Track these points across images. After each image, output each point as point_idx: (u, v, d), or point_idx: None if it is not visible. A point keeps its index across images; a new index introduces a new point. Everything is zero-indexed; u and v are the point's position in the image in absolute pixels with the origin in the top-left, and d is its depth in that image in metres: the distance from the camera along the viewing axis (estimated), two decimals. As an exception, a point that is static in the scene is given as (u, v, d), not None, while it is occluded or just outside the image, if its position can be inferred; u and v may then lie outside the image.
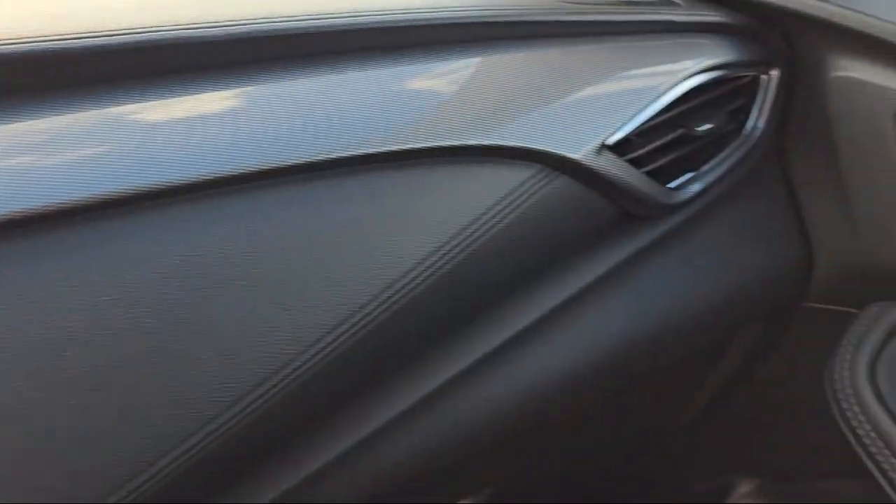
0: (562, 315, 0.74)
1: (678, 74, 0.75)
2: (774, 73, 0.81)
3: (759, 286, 0.83)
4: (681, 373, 0.92)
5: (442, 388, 0.70)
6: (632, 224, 0.76)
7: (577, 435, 0.89)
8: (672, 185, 0.77)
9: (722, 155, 0.80)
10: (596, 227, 0.73)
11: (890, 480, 0.76)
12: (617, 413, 0.91)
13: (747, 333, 0.89)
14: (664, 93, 0.73)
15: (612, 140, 0.70)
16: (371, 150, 0.62)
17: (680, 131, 0.77)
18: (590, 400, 0.80)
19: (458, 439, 0.71)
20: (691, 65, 0.76)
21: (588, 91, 0.71)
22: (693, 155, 0.78)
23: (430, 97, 0.65)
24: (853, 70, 0.76)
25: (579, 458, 0.95)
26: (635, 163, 0.74)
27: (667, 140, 0.76)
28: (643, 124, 0.73)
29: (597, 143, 0.69)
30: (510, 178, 0.66)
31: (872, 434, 0.76)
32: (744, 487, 1.06)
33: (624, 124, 0.71)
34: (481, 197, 0.65)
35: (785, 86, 0.81)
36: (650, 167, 0.75)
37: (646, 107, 0.72)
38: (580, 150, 0.68)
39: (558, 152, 0.67)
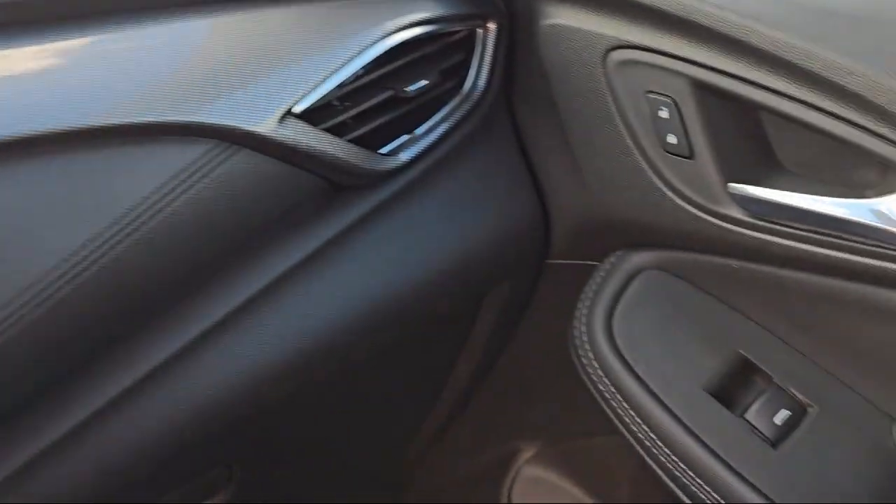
0: (273, 297, 0.68)
1: (378, 32, 0.70)
2: (492, 26, 0.77)
3: (496, 247, 0.80)
4: (432, 344, 0.88)
5: (138, 384, 0.64)
6: (343, 195, 0.71)
7: (325, 423, 0.84)
8: (384, 150, 0.72)
9: (440, 115, 0.76)
10: (298, 201, 0.68)
11: (633, 434, 0.74)
12: (369, 393, 0.86)
13: (495, 297, 0.86)
14: (361, 52, 0.69)
15: (299, 107, 0.65)
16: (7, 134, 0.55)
17: (388, 93, 0.72)
18: (326, 383, 0.75)
19: (165, 436, 0.65)
20: (395, 21, 0.71)
21: (271, 56, 0.65)
22: (408, 117, 0.74)
23: (81, 73, 0.59)
24: (562, 17, 0.73)
25: (336, 446, 0.90)
26: (338, 129, 0.69)
27: (374, 103, 0.71)
28: (342, 87, 0.68)
29: (280, 111, 0.64)
30: (177, 157, 0.60)
31: (612, 389, 0.75)
32: (527, 453, 1.04)
33: (314, 89, 0.66)
34: (141, 181, 0.59)
35: (504, 39, 0.78)
36: (356, 133, 0.70)
37: (340, 69, 0.67)
38: (259, 121, 0.62)
39: (231, 124, 0.61)
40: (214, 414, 0.66)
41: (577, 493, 1.03)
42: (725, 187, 0.67)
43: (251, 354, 0.67)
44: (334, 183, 0.69)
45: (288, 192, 0.66)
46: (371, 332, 0.74)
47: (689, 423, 0.71)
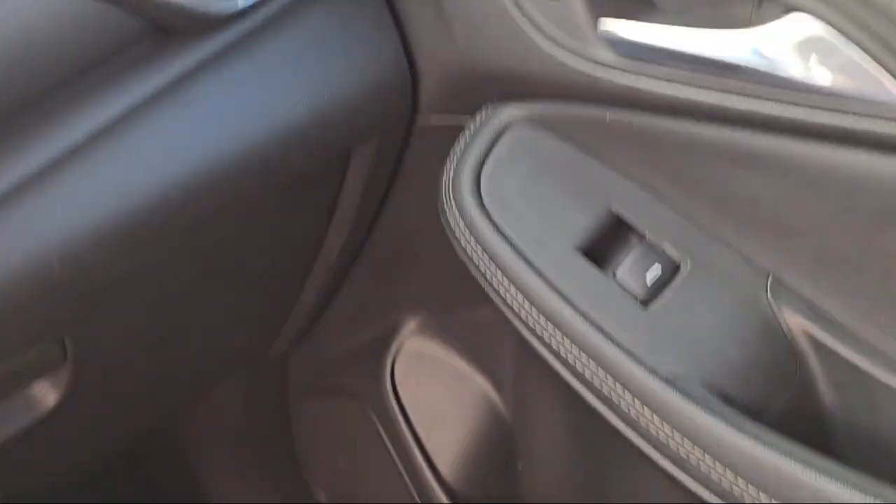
0: (89, 155, 0.62)
1: None
2: None
3: (357, 100, 0.75)
4: (297, 211, 0.84)
5: None
6: (174, 40, 0.65)
7: (174, 295, 0.79)
8: (219, -11, 0.66)
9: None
10: (117, 46, 0.61)
11: (503, 299, 0.71)
12: (228, 266, 0.82)
13: (361, 158, 0.81)
14: None
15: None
16: None
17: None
18: (168, 250, 0.69)
19: None
20: None
21: None
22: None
23: None
24: None
25: (195, 323, 0.86)
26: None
27: None
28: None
29: None
30: None
31: (480, 251, 0.71)
32: (409, 326, 1.01)
33: None
34: None
35: None
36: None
37: None
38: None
39: None
40: (24, 279, 0.60)
41: (461, 365, 1.00)
42: (595, 26, 0.63)
43: (61, 217, 0.61)
44: (161, 26, 0.63)
45: (102, 35, 0.60)
46: (216, 193, 0.68)
47: (558, 284, 0.68)
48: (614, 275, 0.68)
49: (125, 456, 1.02)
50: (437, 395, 1.03)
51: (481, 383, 1.00)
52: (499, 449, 1.02)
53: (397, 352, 1.03)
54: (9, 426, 0.73)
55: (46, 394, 0.73)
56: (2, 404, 0.71)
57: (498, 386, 0.99)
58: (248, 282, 0.89)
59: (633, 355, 0.65)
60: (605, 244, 0.70)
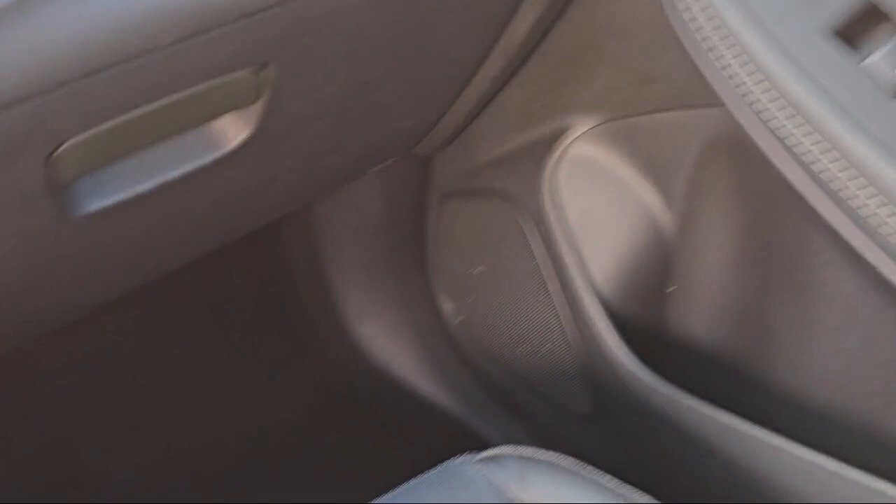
0: None
1: None
2: None
3: None
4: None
5: None
6: None
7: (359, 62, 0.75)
8: None
9: None
10: None
11: (729, 74, 0.67)
12: (414, 32, 0.78)
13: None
14: None
15: None
16: None
17: None
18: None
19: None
20: None
21: None
22: None
23: None
24: None
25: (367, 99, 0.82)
26: None
27: None
28: None
29: None
30: None
31: (715, 25, 0.66)
32: (579, 128, 0.97)
33: None
34: None
35: None
36: None
37: None
38: None
39: None
40: None
41: (629, 175, 0.96)
42: None
43: None
44: None
45: None
46: None
47: (801, 61, 0.63)
48: (864, 61, 0.64)
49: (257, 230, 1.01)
50: (597, 203, 1.00)
51: (647, 196, 0.97)
52: (655, 267, 0.99)
53: (561, 156, 0.99)
54: (193, 159, 0.72)
55: (234, 130, 0.72)
56: (191, 133, 0.70)
57: (667, 200, 0.95)
58: (428, 59, 0.86)
59: (883, 144, 0.60)
60: (856, 30, 0.65)
